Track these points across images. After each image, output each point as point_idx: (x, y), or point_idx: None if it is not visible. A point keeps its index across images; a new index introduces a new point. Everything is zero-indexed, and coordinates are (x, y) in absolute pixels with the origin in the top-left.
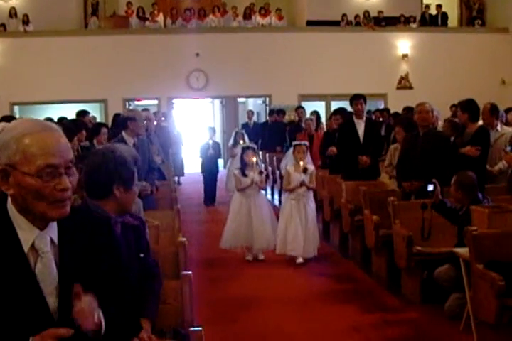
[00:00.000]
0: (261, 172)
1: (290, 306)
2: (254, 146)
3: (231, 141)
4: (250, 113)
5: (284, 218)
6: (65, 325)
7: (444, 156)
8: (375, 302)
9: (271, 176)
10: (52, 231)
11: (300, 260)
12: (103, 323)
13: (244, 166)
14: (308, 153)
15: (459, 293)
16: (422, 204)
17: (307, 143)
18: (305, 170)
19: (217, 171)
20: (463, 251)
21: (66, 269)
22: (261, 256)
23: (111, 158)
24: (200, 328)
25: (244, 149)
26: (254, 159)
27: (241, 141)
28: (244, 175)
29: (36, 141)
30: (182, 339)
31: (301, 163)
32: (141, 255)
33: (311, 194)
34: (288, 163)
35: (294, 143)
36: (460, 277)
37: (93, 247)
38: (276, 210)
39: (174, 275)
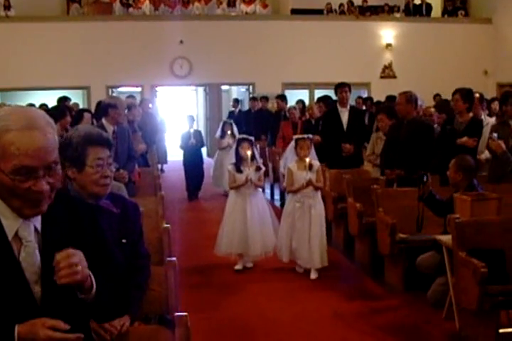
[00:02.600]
0: (258, 168)
1: (273, 293)
2: (251, 138)
3: (218, 132)
4: (235, 101)
5: (286, 223)
6: (49, 313)
7: (427, 145)
8: (358, 290)
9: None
10: (36, 219)
11: (302, 270)
12: (92, 279)
13: (239, 161)
14: (313, 148)
15: (441, 277)
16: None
17: (311, 136)
18: (310, 167)
19: (201, 161)
20: (446, 238)
21: (49, 258)
22: (249, 264)
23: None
24: (185, 313)
25: (240, 141)
26: (250, 153)
27: (229, 132)
28: (239, 170)
29: (18, 139)
30: (167, 324)
31: (307, 159)
32: (124, 241)
33: (318, 194)
34: (289, 159)
35: (295, 137)
36: (441, 264)
37: (76, 234)
38: (278, 213)
39: (158, 261)
